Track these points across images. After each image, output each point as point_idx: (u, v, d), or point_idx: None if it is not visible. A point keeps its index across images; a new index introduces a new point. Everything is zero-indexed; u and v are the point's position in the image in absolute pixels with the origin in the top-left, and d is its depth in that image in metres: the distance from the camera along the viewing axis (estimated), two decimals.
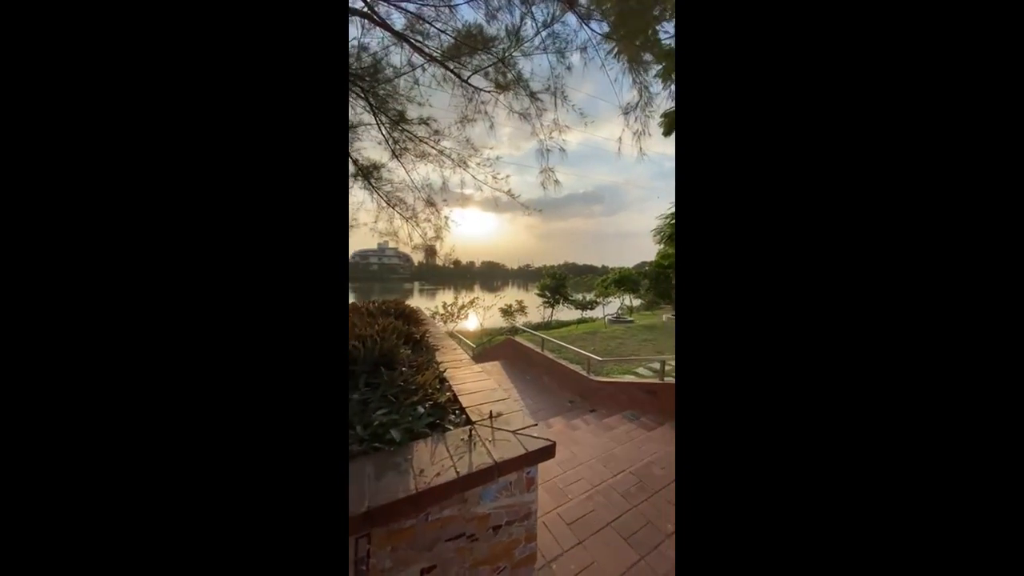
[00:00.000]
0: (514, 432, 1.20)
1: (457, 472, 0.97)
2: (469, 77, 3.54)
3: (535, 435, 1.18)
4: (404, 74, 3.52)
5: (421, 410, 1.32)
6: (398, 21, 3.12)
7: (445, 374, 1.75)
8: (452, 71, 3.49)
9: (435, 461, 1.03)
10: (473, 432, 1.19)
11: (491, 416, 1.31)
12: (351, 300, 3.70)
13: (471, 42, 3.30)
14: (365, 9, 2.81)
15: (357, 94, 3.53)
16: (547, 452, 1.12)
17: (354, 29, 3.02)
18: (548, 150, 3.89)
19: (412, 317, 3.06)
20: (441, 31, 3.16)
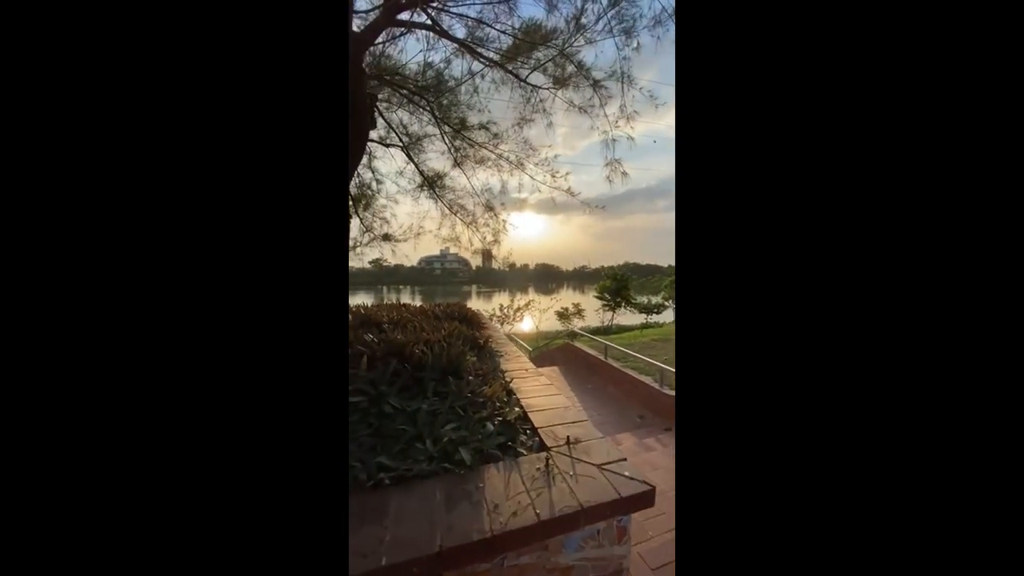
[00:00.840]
0: (599, 467, 1.01)
1: (537, 515, 0.82)
2: (528, 75, 3.47)
3: (627, 473, 0.97)
4: (465, 81, 3.60)
5: (491, 427, 1.22)
6: (459, 31, 3.19)
7: (511, 384, 1.64)
8: (511, 72, 3.45)
9: (510, 495, 0.90)
10: (550, 461, 1.04)
11: (569, 443, 1.14)
12: (418, 303, 3.89)
13: (531, 37, 3.22)
14: (429, 22, 2.92)
15: (422, 107, 3.72)
16: (644, 499, 0.91)
17: (418, 44, 3.17)
18: (614, 140, 3.58)
19: (474, 321, 3.06)
20: (501, 31, 3.13)
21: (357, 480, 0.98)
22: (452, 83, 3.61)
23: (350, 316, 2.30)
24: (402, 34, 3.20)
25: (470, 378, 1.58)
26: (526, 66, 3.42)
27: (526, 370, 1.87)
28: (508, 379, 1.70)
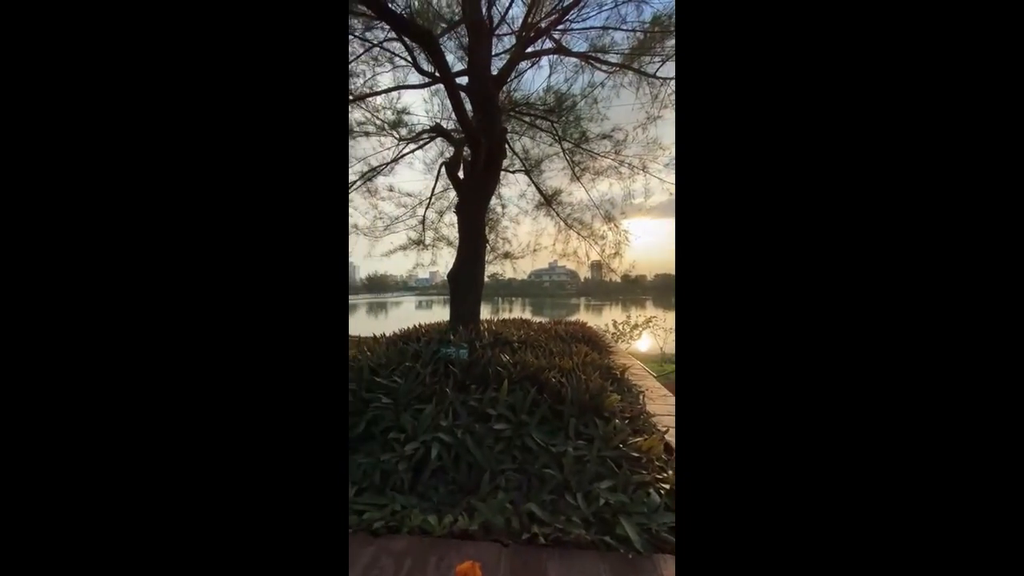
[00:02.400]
0: None
1: None
2: (657, 70, 3.09)
3: None
4: (587, 95, 3.51)
5: (656, 499, 0.98)
6: (582, 45, 3.13)
7: (667, 436, 1.33)
8: (638, 71, 3.16)
9: None
10: None
11: None
12: (528, 316, 3.91)
13: (661, 25, 2.86)
14: (554, 46, 2.97)
15: (544, 130, 3.83)
16: None
17: (541, 70, 3.28)
18: None
19: (598, 342, 2.82)
20: (630, 30, 2.90)
21: (510, 525, 0.93)
22: (572, 100, 3.58)
23: (483, 331, 2.46)
24: (531, 66, 3.38)
25: (616, 421, 1.37)
26: (656, 59, 3.06)
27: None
28: (663, 428, 1.40)
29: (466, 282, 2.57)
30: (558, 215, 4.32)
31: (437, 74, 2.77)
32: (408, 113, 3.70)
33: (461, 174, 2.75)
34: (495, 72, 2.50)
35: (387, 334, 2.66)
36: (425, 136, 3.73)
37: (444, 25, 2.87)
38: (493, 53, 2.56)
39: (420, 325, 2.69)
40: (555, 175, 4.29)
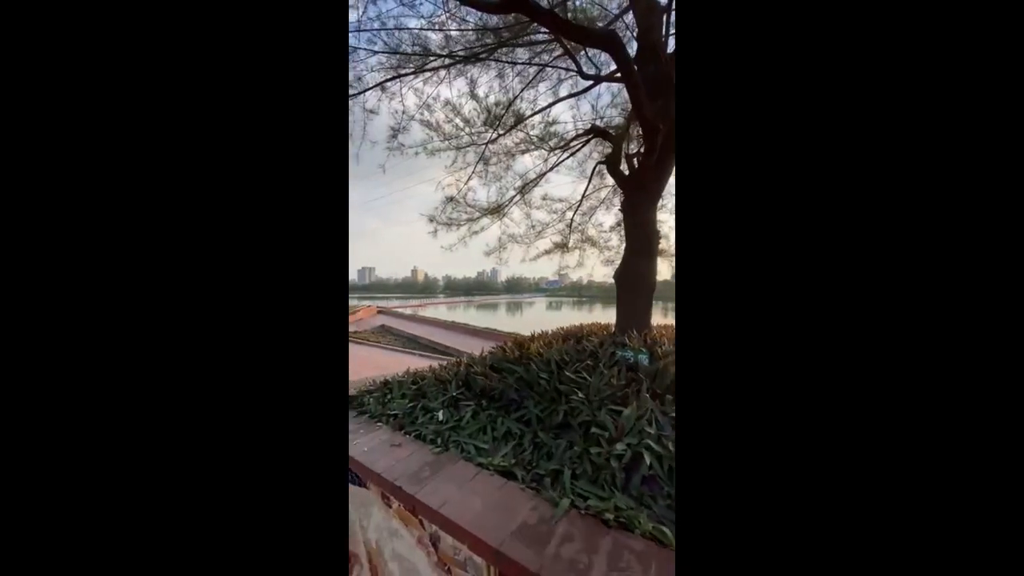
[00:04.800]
0: None
1: None
2: None
3: None
4: None
5: None
6: None
7: None
8: None
9: None
10: None
11: None
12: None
13: None
14: None
15: None
16: None
17: None
18: None
19: None
20: None
21: None
22: None
23: (659, 336, 2.25)
24: None
25: None
26: None
27: None
28: None
29: (634, 282, 2.43)
30: None
31: (600, 73, 2.77)
32: (557, 123, 3.88)
33: (625, 170, 2.63)
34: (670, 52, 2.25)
35: (547, 331, 2.83)
36: (578, 142, 3.82)
37: (602, 22, 2.83)
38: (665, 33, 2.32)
39: (582, 325, 2.74)
40: None
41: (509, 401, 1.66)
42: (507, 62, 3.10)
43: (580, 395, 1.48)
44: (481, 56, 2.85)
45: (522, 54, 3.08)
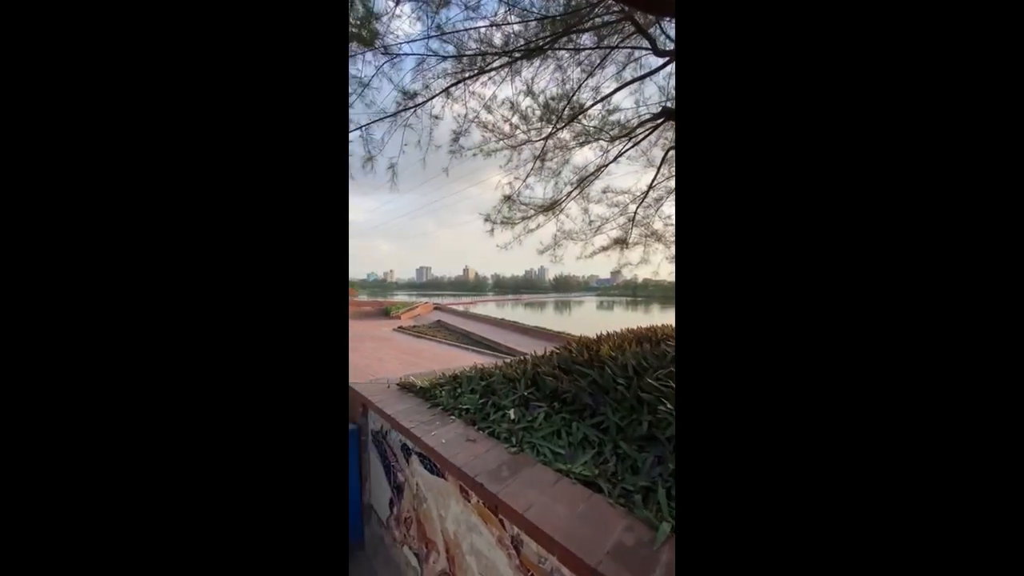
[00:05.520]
0: None
1: None
2: None
3: None
4: None
5: None
6: None
7: None
8: None
9: None
10: None
11: None
12: None
13: None
14: None
15: None
16: None
17: None
18: None
19: None
20: None
21: None
22: None
23: None
24: None
25: None
26: None
27: None
28: None
29: None
30: None
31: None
32: (619, 110, 3.63)
33: None
34: None
35: (613, 332, 2.66)
36: (643, 128, 3.52)
37: None
38: None
39: (654, 327, 2.52)
40: None
41: (583, 406, 1.57)
42: (570, 49, 2.98)
43: (668, 406, 1.34)
44: (544, 47, 2.78)
45: (587, 40, 2.94)
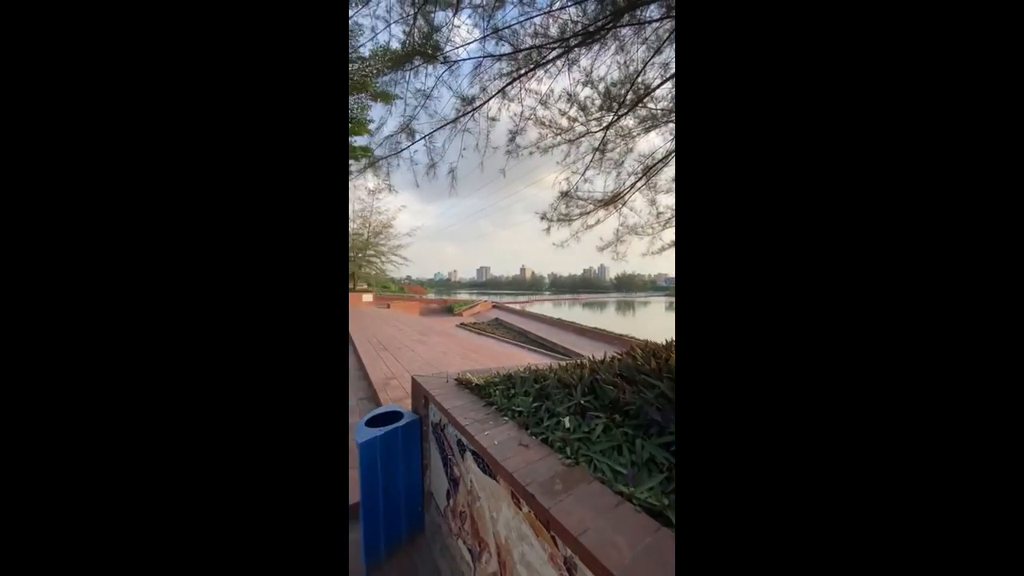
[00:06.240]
0: None
1: None
2: None
3: None
4: None
5: None
6: None
7: None
8: None
9: None
10: None
11: None
12: None
13: None
14: None
15: None
16: None
17: None
18: None
19: None
20: None
21: None
22: None
23: None
24: None
25: None
26: None
27: None
28: None
29: None
30: None
31: None
32: None
33: None
34: None
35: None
36: None
37: None
38: None
39: None
40: None
41: (650, 421, 1.39)
42: (633, 24, 2.71)
43: None
44: (606, 27, 2.58)
45: (654, 12, 2.63)
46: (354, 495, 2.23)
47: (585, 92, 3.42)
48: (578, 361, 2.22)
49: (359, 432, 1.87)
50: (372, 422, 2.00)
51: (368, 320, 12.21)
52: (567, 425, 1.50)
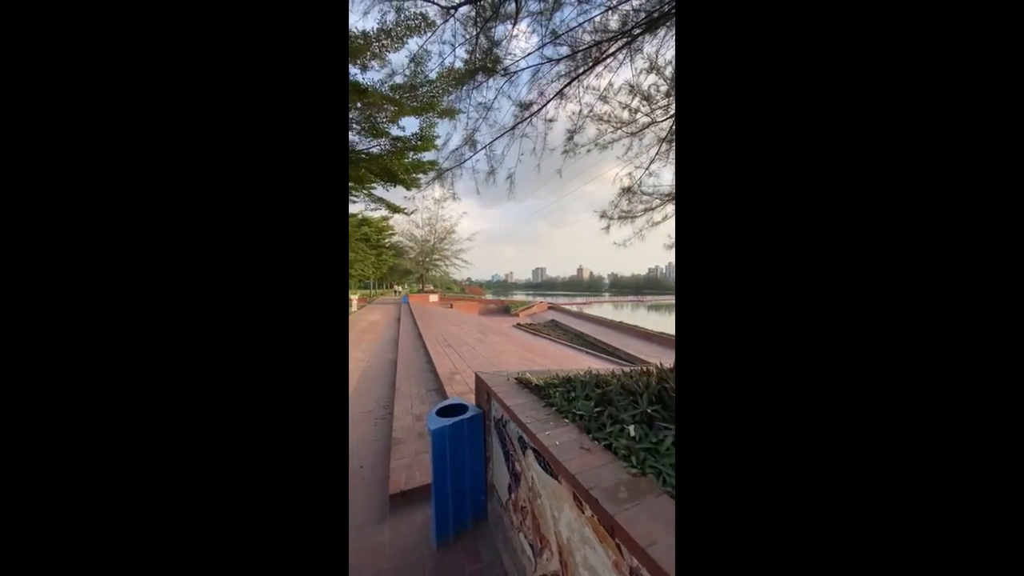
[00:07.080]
0: None
1: None
2: None
3: None
4: None
5: None
6: None
7: None
8: None
9: None
10: None
11: None
12: None
13: None
14: None
15: None
16: None
17: None
18: None
19: None
20: None
21: None
22: None
23: None
24: None
25: None
26: None
27: None
28: None
29: None
30: None
31: None
32: None
33: None
34: None
35: None
36: None
37: None
38: None
39: None
40: None
41: None
42: None
43: None
44: (670, 11, 2.40)
45: None
46: (426, 478, 2.47)
47: (649, 80, 3.21)
48: (643, 368, 2.10)
49: (431, 420, 2.07)
50: (441, 412, 2.19)
51: (435, 318, 13.28)
52: (632, 433, 1.44)
